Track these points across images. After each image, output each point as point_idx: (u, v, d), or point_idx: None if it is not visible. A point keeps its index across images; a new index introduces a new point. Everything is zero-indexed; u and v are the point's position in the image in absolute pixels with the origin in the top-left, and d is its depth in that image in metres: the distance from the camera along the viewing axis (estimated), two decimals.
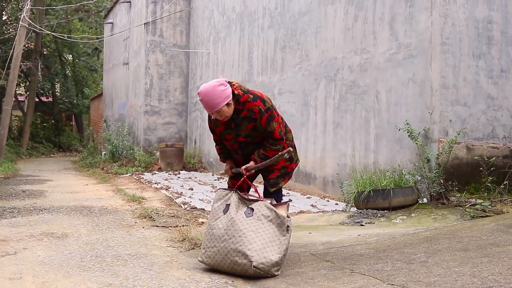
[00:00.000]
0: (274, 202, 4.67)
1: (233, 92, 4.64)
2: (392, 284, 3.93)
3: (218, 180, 13.02)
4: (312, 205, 8.64)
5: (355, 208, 7.36)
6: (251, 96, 4.70)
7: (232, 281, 4.34)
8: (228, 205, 4.61)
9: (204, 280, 4.37)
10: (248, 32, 13.58)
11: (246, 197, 4.65)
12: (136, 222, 7.16)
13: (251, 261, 4.30)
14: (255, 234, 4.40)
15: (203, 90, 4.54)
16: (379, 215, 6.86)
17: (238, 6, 14.31)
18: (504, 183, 7.04)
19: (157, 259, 5.05)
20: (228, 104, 4.59)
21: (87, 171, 17.32)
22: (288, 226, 4.56)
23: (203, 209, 8.09)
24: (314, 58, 10.51)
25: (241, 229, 4.41)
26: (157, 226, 6.84)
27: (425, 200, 7.31)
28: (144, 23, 18.29)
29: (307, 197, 9.73)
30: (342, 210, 7.61)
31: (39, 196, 10.10)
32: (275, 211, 4.52)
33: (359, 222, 6.56)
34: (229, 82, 4.68)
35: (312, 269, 4.55)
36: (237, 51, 14.15)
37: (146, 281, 4.29)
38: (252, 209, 4.52)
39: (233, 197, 4.64)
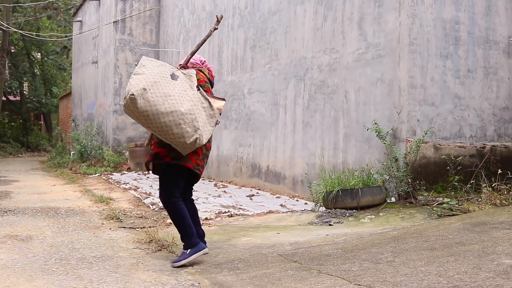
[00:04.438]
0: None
1: None
2: (359, 285, 3.92)
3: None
4: (281, 205, 8.62)
5: (324, 208, 7.36)
6: None
7: (199, 283, 4.30)
8: None
9: (170, 283, 4.32)
10: (218, 31, 13.50)
11: None
12: (103, 224, 7.06)
13: (195, 132, 4.52)
14: (199, 112, 4.60)
15: None
16: (347, 214, 6.86)
17: (208, 5, 14.24)
18: (471, 182, 7.11)
19: (123, 262, 4.98)
20: None
21: (55, 172, 17.06)
22: (218, 121, 4.79)
23: None
24: (284, 57, 10.50)
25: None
26: (124, 227, 6.75)
27: (393, 199, 7.34)
28: (113, 22, 18.10)
29: (276, 197, 9.71)
30: (311, 210, 7.61)
31: (4, 197, 9.89)
32: (209, 102, 4.71)
33: (327, 222, 6.56)
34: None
35: (279, 270, 4.52)
36: (207, 50, 14.06)
37: (110, 284, 4.22)
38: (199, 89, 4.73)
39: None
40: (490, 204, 6.47)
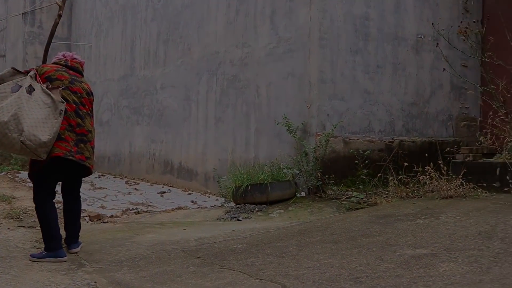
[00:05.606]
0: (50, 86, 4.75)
1: None
2: (260, 279, 3.83)
3: (99, 178, 12.54)
4: (192, 201, 8.45)
5: (233, 203, 7.24)
6: None
7: (95, 282, 4.09)
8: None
9: (64, 282, 4.10)
10: (131, 25, 13.15)
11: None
12: (1, 223, 6.64)
13: (21, 135, 4.36)
14: (30, 112, 4.47)
15: None
16: (256, 209, 6.77)
17: None
18: (379, 175, 7.16)
19: (17, 262, 4.68)
20: None
21: None
22: (61, 110, 4.61)
23: None
24: (197, 52, 10.31)
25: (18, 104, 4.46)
26: (24, 226, 6.38)
27: (303, 193, 7.31)
28: (22, 13, 17.33)
29: (188, 193, 9.52)
30: (221, 205, 7.47)
31: None
32: (51, 96, 4.60)
33: (236, 217, 6.44)
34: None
35: (181, 266, 4.37)
36: (120, 44, 13.68)
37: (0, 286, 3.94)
38: (34, 89, 4.61)
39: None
40: (397, 197, 6.54)
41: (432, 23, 8.10)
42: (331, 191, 7.04)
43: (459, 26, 7.94)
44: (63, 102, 4.67)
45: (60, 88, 4.80)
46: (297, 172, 7.27)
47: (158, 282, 3.99)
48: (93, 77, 14.59)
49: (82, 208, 5.48)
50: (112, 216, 7.04)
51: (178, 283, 3.93)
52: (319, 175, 7.06)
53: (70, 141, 4.73)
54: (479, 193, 5.99)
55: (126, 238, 5.61)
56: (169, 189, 10.18)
